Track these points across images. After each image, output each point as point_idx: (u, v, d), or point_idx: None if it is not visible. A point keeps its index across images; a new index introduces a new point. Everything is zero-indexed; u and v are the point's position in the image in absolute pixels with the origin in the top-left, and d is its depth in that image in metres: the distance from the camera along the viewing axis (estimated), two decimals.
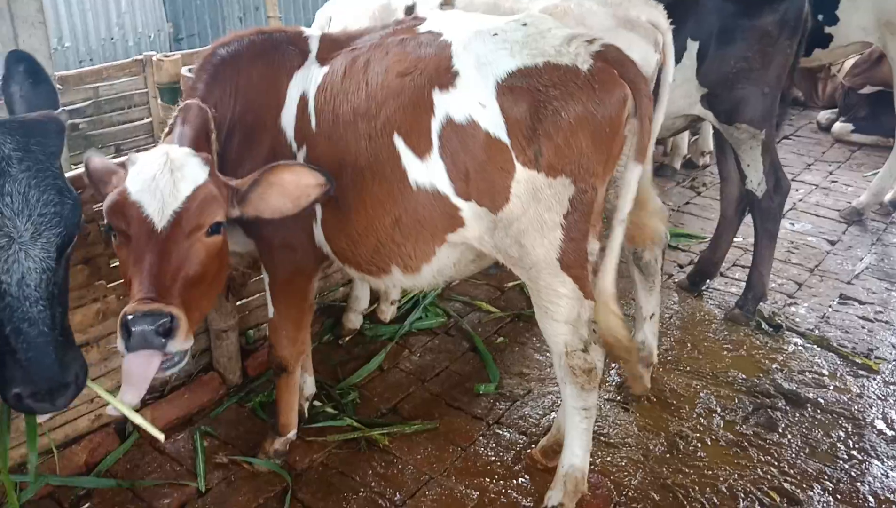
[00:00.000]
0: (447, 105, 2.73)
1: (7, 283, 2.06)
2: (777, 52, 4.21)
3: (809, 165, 7.68)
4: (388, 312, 4.70)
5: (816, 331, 4.78)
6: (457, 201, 2.82)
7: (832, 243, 6.04)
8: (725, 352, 4.56)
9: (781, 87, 4.38)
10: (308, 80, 3.10)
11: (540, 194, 2.73)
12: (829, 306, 5.10)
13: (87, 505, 3.34)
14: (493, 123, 2.67)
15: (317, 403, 3.96)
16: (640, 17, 3.46)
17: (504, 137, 2.67)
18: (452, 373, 4.31)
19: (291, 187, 2.76)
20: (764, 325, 4.79)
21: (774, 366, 4.40)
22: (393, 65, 2.88)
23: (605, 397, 4.06)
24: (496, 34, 2.78)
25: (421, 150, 2.80)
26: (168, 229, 2.48)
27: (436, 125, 2.75)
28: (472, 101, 2.70)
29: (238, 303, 4.10)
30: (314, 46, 3.19)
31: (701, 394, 4.14)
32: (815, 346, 4.62)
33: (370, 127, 2.88)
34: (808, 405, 4.07)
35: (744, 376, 4.30)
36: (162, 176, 2.52)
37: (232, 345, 4.06)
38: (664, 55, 3.49)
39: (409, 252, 3.01)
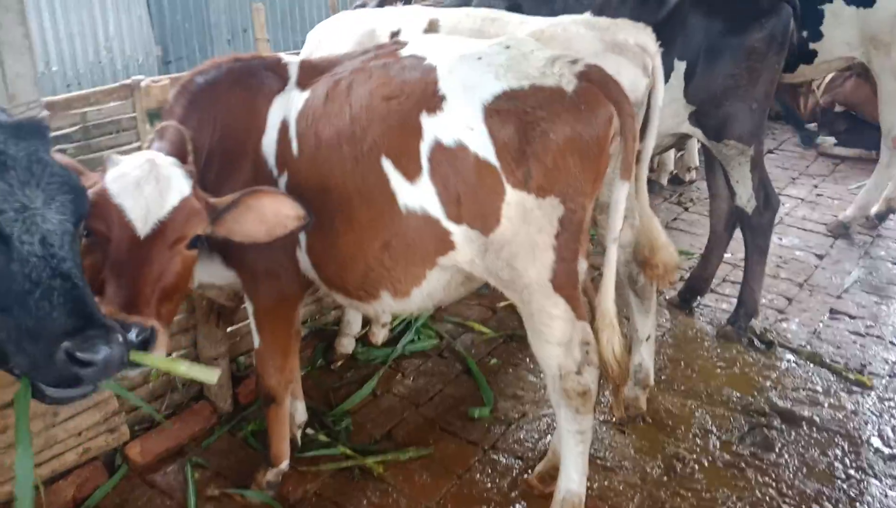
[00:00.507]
0: (435, 128, 2.73)
1: (29, 243, 1.99)
2: (765, 68, 4.23)
3: (794, 178, 7.73)
4: (379, 335, 4.65)
5: (808, 347, 4.78)
6: (448, 224, 2.80)
7: (820, 257, 6.06)
8: (719, 370, 4.54)
9: (769, 103, 4.41)
10: (289, 105, 3.08)
11: (530, 215, 2.72)
12: (820, 322, 5.11)
13: None
14: (482, 145, 2.68)
15: (309, 431, 3.89)
16: (628, 40, 3.46)
17: (493, 160, 2.68)
18: (446, 396, 4.26)
19: (269, 215, 2.76)
20: (756, 341, 4.79)
21: (768, 384, 4.40)
22: (377, 88, 2.87)
23: (601, 418, 4.03)
24: (480, 57, 2.79)
25: (410, 173, 2.79)
26: (151, 238, 2.47)
27: (425, 148, 2.74)
28: (459, 124, 2.70)
29: (228, 330, 4.04)
30: (294, 72, 3.17)
31: (696, 414, 4.12)
32: (807, 362, 4.62)
33: (356, 150, 2.86)
34: (804, 423, 4.05)
35: (738, 394, 4.29)
36: (147, 183, 2.51)
37: (223, 373, 3.99)
38: (653, 78, 3.49)
39: (398, 277, 2.99)
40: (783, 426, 4.02)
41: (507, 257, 2.80)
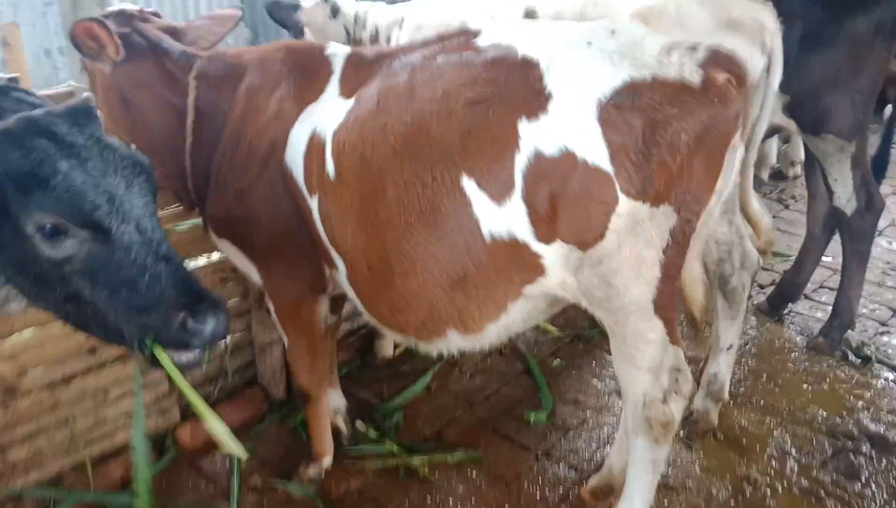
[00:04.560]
0: (537, 137, 2.29)
1: (128, 233, 2.08)
2: (871, 57, 3.80)
3: None
4: None
5: None
6: (538, 247, 2.40)
7: None
8: (806, 385, 4.16)
9: (875, 95, 3.96)
10: (324, 115, 2.71)
11: (640, 227, 2.32)
12: None
13: None
14: (593, 150, 2.25)
15: (359, 424, 3.80)
16: (743, 16, 3.16)
17: (606, 166, 2.25)
18: (503, 397, 4.08)
19: None
20: (851, 356, 4.37)
21: (860, 404, 3.99)
22: (457, 91, 2.40)
23: None
24: (590, 42, 2.35)
25: (500, 194, 2.36)
26: None
27: (521, 163, 2.31)
28: (567, 127, 2.27)
29: None
30: (337, 71, 2.83)
31: (775, 433, 3.77)
32: None
33: (424, 171, 2.42)
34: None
35: (825, 413, 3.91)
36: None
37: (276, 359, 3.96)
38: (771, 58, 3.18)
39: (473, 314, 2.60)
40: (873, 453, 3.63)
41: (605, 274, 2.40)
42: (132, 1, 3.99)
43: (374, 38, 4.46)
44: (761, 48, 3.21)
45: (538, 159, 2.30)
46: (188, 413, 3.76)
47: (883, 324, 4.75)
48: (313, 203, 2.74)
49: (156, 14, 3.27)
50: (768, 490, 3.40)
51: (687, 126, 2.23)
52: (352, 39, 4.58)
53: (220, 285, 3.75)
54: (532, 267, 2.46)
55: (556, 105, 2.29)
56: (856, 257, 4.27)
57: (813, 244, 4.71)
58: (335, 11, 4.73)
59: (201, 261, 3.69)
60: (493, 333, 2.71)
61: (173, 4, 8.01)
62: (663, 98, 2.23)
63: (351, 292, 2.87)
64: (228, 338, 3.89)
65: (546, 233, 2.37)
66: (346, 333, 4.33)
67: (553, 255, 2.42)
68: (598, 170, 2.26)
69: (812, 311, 4.91)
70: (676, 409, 2.66)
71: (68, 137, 2.09)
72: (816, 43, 3.79)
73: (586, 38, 2.38)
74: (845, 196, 4.08)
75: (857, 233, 4.17)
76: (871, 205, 4.11)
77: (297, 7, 4.84)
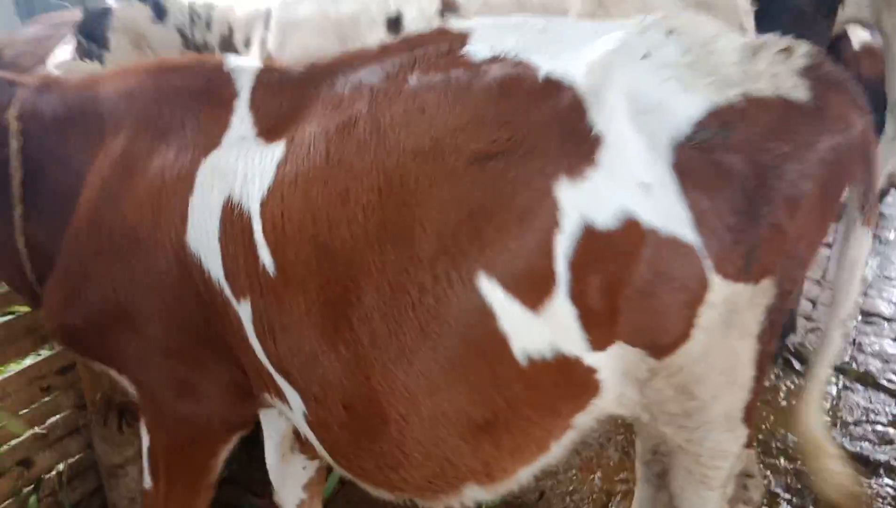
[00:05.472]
0: (583, 203, 1.53)
1: None
2: (814, 36, 3.38)
3: None
4: None
5: (854, 364, 4.03)
6: (592, 359, 1.65)
7: (829, 246, 5.34)
8: (761, 406, 3.72)
9: None
10: (240, 169, 1.76)
11: (736, 315, 1.60)
12: (855, 328, 4.37)
13: None
14: (667, 213, 1.52)
15: None
16: None
17: (688, 236, 1.52)
18: None
19: None
20: (794, 362, 4.01)
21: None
22: (452, 138, 1.59)
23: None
24: (646, 54, 1.58)
25: (535, 295, 1.58)
26: None
27: (563, 244, 1.54)
28: (627, 182, 1.52)
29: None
30: (244, 96, 1.84)
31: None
32: (858, 384, 3.86)
33: (418, 269, 1.61)
34: (882, 470, 3.27)
35: (794, 438, 3.47)
36: None
37: (133, 482, 2.89)
38: None
39: (504, 464, 1.80)
40: (861, 479, 3.22)
41: (686, 383, 1.68)
42: None
43: (227, 43, 3.36)
44: (739, 31, 2.71)
45: (589, 237, 1.52)
46: None
47: (808, 319, 4.47)
48: (243, 311, 1.76)
49: None
50: None
51: (806, 168, 1.50)
52: (191, 46, 3.42)
53: (42, 396, 2.64)
54: (585, 388, 1.68)
55: (610, 153, 1.52)
56: None
57: None
58: (160, 11, 3.46)
59: (10, 369, 2.56)
60: (526, 476, 1.86)
61: None
62: (766, 129, 1.49)
63: (312, 437, 1.89)
64: (61, 465, 2.79)
65: (603, 337, 1.60)
66: None
67: (610, 363, 1.64)
68: (676, 242, 1.51)
69: None
70: None
71: None
72: (757, 22, 3.32)
73: (639, 48, 1.58)
74: None
75: None
76: None
77: (107, 13, 3.47)
